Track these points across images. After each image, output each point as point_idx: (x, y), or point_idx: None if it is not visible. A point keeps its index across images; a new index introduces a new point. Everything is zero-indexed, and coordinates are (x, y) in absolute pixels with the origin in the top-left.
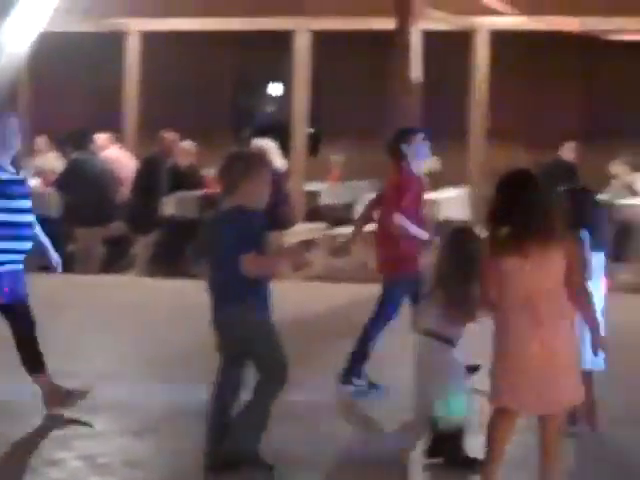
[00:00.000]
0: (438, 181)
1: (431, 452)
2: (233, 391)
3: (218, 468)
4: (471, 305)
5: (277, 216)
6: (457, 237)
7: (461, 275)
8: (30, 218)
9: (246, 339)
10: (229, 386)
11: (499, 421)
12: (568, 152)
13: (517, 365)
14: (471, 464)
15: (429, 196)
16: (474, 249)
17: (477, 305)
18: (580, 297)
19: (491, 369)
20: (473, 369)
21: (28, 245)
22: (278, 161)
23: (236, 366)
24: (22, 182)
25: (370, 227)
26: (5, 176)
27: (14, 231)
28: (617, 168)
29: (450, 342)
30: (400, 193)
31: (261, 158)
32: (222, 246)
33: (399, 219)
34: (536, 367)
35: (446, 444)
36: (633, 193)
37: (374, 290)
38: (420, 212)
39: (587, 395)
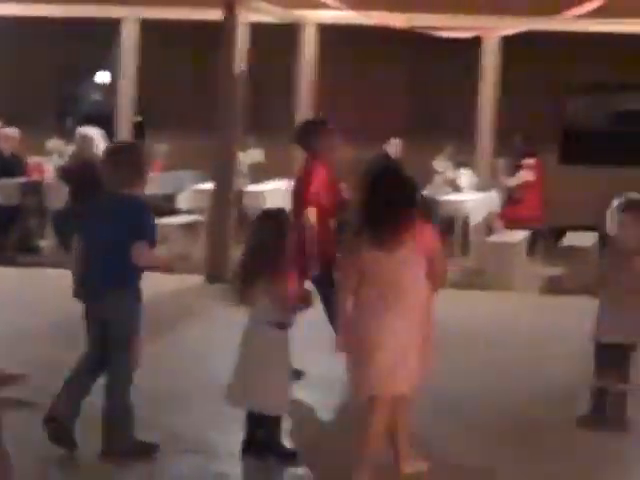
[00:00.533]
0: (262, 173)
1: (247, 447)
2: (92, 374)
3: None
4: (285, 284)
5: None
6: (270, 220)
7: (275, 256)
8: None
9: (119, 323)
10: (89, 369)
11: (370, 415)
12: (392, 148)
13: (376, 352)
14: (291, 457)
15: (253, 188)
16: (285, 231)
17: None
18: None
19: (349, 360)
20: (297, 375)
21: None
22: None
23: (101, 350)
24: None
25: (192, 218)
26: None
27: None
28: (440, 164)
29: (281, 326)
30: (311, 185)
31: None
32: (114, 232)
33: (310, 215)
34: (391, 353)
35: (264, 438)
36: (456, 189)
37: (195, 280)
38: (335, 201)
39: None
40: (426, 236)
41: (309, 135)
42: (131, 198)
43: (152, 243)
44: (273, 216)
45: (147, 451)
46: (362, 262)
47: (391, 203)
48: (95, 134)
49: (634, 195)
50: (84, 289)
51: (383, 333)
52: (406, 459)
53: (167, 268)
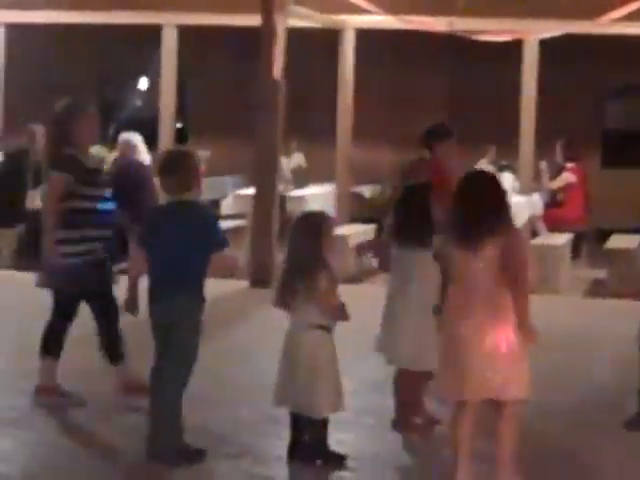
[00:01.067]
0: (304, 177)
1: (293, 450)
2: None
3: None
4: (334, 290)
5: (145, 210)
6: (311, 222)
7: (319, 260)
8: (111, 206)
9: (183, 324)
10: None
11: (458, 416)
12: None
13: (458, 354)
14: (338, 461)
15: (296, 192)
16: (322, 233)
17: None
18: (514, 289)
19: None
20: None
21: (109, 233)
22: (145, 155)
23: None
24: (101, 171)
25: (236, 223)
26: (91, 164)
27: (99, 219)
28: (483, 168)
29: (327, 329)
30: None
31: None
32: (182, 236)
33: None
34: (479, 354)
35: (310, 441)
36: None
37: (240, 285)
38: None
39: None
40: (513, 239)
41: (429, 142)
42: (197, 204)
43: (225, 246)
44: (310, 219)
45: (194, 457)
46: (450, 261)
47: (479, 205)
48: (138, 140)
49: None
50: (149, 292)
51: (470, 333)
52: (505, 472)
53: (233, 270)
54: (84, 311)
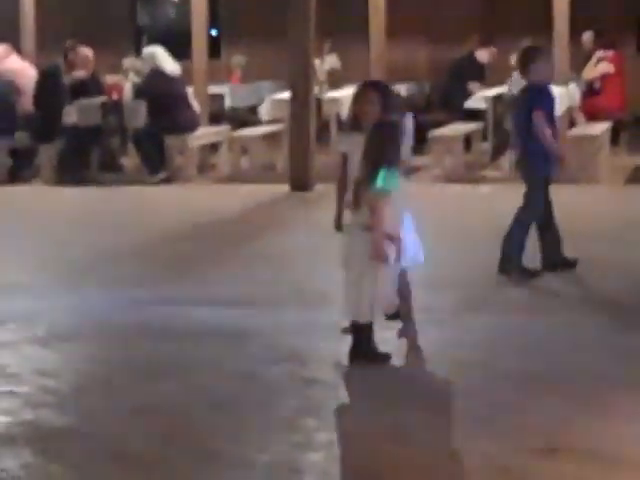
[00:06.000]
0: (339, 79)
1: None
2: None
3: None
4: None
5: (180, 120)
6: (386, 125)
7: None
8: None
9: None
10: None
11: None
12: (483, 54)
13: None
14: (383, 360)
15: (331, 94)
16: (399, 137)
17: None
18: None
19: None
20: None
21: None
22: (169, 66)
23: None
24: None
25: (273, 128)
26: None
27: None
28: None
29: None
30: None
31: None
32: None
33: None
34: None
35: (356, 343)
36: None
37: (281, 189)
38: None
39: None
40: None
41: (526, 62)
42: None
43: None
44: (389, 123)
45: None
46: None
47: None
48: (159, 52)
49: None
50: None
51: None
52: None
53: None
54: None
